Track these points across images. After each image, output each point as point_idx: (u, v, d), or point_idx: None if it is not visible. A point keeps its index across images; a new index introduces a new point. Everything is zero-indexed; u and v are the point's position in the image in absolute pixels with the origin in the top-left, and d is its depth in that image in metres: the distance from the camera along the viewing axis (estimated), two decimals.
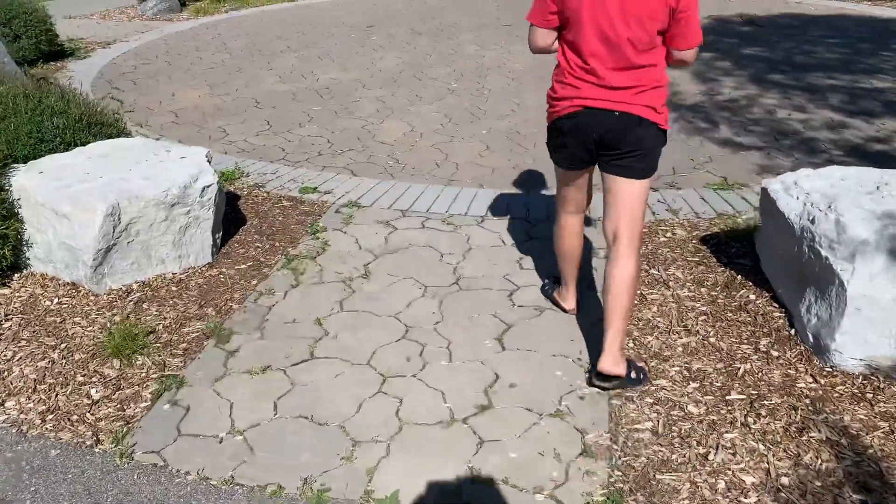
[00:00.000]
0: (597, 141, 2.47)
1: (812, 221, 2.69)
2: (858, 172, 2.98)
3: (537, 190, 4.30)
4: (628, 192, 2.51)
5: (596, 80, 2.41)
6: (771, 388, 2.56)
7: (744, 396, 2.52)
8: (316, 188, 4.35)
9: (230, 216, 3.87)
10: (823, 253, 2.61)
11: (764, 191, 3.06)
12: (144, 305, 3.12)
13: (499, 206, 4.06)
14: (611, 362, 2.49)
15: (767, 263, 3.13)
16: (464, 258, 3.52)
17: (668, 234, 3.71)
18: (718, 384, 2.59)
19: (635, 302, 2.90)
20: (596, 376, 2.54)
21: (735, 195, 4.14)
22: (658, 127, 2.46)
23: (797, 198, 2.85)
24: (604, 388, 2.55)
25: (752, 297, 3.07)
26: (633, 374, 2.58)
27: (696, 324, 2.93)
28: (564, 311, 3.04)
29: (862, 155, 4.70)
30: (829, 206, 2.67)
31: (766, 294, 3.07)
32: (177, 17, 10.16)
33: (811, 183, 2.90)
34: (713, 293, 3.14)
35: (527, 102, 6.03)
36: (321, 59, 7.69)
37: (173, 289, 3.25)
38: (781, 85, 6.35)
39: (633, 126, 2.41)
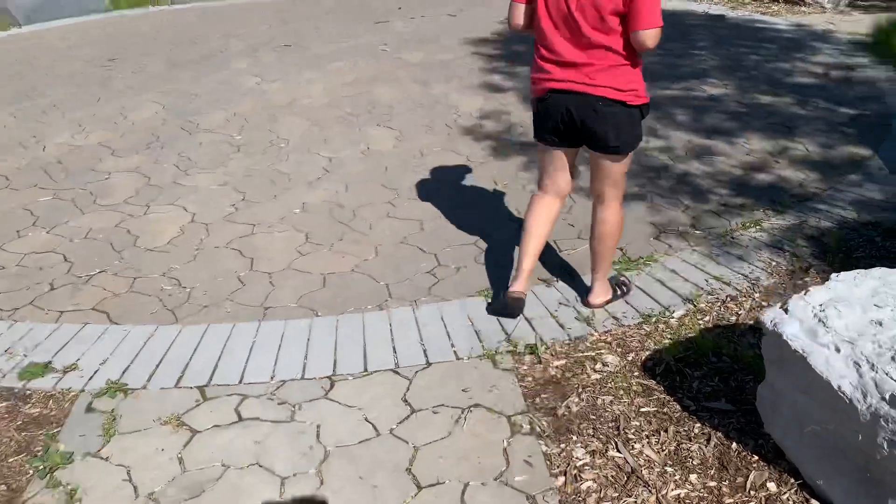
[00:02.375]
0: (566, 122, 2.64)
1: (889, 400, 1.71)
2: (885, 276, 2.09)
3: (399, 308, 3.03)
4: (609, 167, 2.72)
5: (558, 59, 2.58)
6: None
7: None
8: (48, 364, 2.71)
9: None
10: None
11: (773, 336, 2.04)
12: None
13: (350, 354, 2.73)
14: (595, 295, 2.95)
15: (785, 433, 2.13)
16: (319, 478, 2.16)
17: (598, 367, 2.63)
18: None
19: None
20: (585, 304, 2.98)
21: (648, 278, 3.17)
22: (625, 104, 2.55)
23: (836, 349, 1.87)
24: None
25: (773, 486, 2.07)
26: (619, 292, 3.02)
27: None
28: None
29: (757, 194, 3.99)
30: None
31: (792, 480, 2.07)
32: None
33: (844, 318, 1.94)
34: (710, 483, 2.09)
35: (340, 155, 4.72)
36: (47, 113, 5.74)
37: None
38: None
39: (598, 106, 2.55)
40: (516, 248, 3.12)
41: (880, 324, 1.90)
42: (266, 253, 3.52)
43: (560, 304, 3.02)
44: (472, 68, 6.69)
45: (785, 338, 1.97)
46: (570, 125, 2.63)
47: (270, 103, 5.83)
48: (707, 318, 2.88)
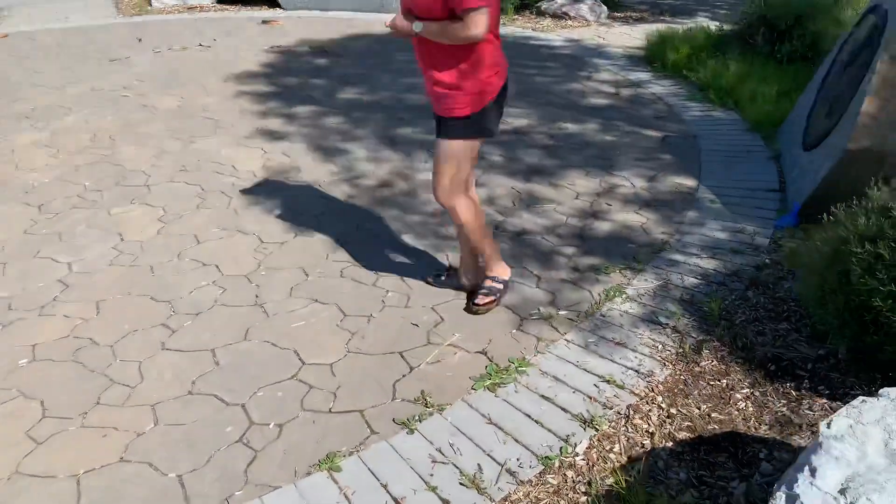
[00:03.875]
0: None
1: None
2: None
3: None
4: None
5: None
6: None
7: None
8: None
9: None
10: None
11: None
12: None
13: None
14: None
15: None
16: None
17: None
18: None
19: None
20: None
21: (530, 394, 2.49)
22: None
23: None
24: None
25: None
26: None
27: None
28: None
29: (604, 250, 3.51)
30: None
31: None
32: None
33: None
34: None
35: (84, 257, 3.49)
36: None
37: None
38: (424, 143, 4.97)
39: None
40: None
41: None
42: None
43: (436, 461, 2.23)
44: (243, 112, 5.65)
45: None
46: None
47: None
48: (617, 448, 2.27)
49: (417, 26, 2.46)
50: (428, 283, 3.18)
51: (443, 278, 3.17)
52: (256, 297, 3.15)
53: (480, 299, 2.97)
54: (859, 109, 3.28)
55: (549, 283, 3.20)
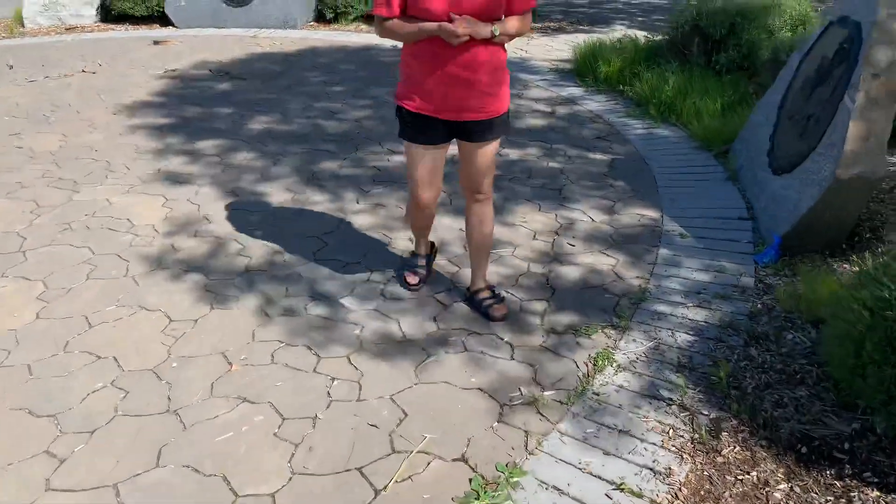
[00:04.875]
0: None
1: None
2: None
3: None
4: None
5: None
6: None
7: None
8: None
9: None
10: None
11: None
12: None
13: None
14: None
15: None
16: None
17: None
18: None
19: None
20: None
21: None
22: None
23: None
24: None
25: None
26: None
27: None
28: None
29: (580, 304, 3.06)
30: None
31: None
32: None
33: None
34: None
35: None
36: None
37: None
38: (338, 180, 4.40)
39: None
40: None
41: None
42: None
43: None
44: (138, 151, 4.92)
45: None
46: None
47: None
48: None
49: (496, 29, 2.46)
50: (412, 287, 3.13)
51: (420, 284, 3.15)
52: (169, 400, 2.51)
53: (499, 310, 2.92)
54: (845, 134, 2.98)
55: (524, 353, 2.72)
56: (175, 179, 4.42)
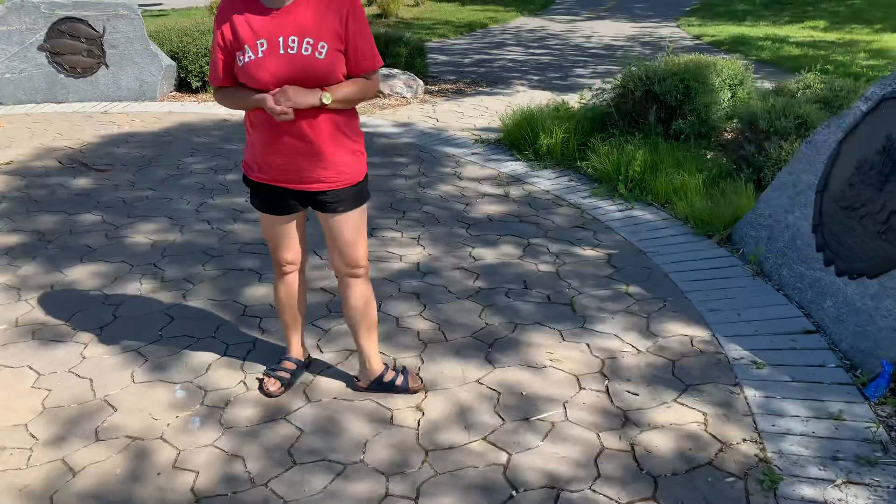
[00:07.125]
0: None
1: None
2: None
3: None
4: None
5: None
6: None
7: None
8: None
9: None
10: None
11: None
12: None
13: None
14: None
15: None
16: None
17: None
18: None
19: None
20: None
21: None
22: None
23: None
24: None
25: None
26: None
27: None
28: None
29: (630, 476, 2.22)
30: None
31: None
32: None
33: None
34: None
35: None
36: None
37: None
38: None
39: None
40: None
41: None
42: None
43: None
44: None
45: None
46: None
47: None
48: None
49: (326, 97, 2.19)
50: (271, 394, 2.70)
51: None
52: None
53: (414, 380, 2.74)
54: None
55: None
56: (45, 336, 3.12)
